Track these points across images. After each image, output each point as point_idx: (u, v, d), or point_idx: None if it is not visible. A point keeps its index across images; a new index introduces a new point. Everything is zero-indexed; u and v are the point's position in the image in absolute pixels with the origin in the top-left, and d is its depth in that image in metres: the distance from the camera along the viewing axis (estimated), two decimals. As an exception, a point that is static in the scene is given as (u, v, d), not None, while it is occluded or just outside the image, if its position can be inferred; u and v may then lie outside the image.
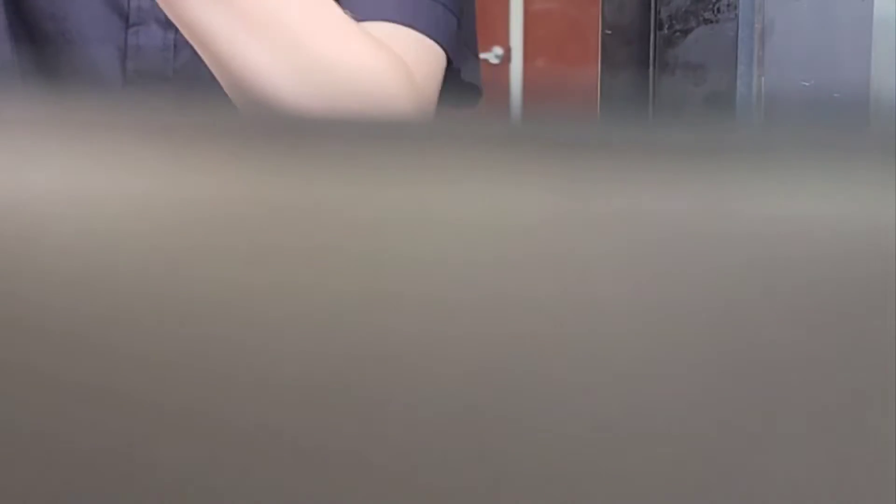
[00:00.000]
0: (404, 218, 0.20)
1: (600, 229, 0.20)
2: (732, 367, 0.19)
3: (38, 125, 0.22)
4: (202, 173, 0.21)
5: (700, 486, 0.19)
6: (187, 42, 0.84)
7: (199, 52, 0.75)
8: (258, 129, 0.22)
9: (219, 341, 0.21)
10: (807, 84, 0.68)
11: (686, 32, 0.72)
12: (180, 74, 0.93)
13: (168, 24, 0.93)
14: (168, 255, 0.21)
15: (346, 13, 0.77)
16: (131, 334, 0.21)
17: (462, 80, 0.92)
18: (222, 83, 0.75)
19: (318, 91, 0.73)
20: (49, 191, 0.21)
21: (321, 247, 0.21)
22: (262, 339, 0.21)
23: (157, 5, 0.89)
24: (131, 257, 0.21)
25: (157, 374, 0.21)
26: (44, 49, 0.91)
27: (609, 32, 0.76)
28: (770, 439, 0.19)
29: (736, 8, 0.71)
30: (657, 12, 0.74)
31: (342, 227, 0.21)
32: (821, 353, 0.19)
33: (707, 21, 0.72)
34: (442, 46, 0.85)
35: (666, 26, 0.73)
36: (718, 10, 0.72)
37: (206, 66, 0.77)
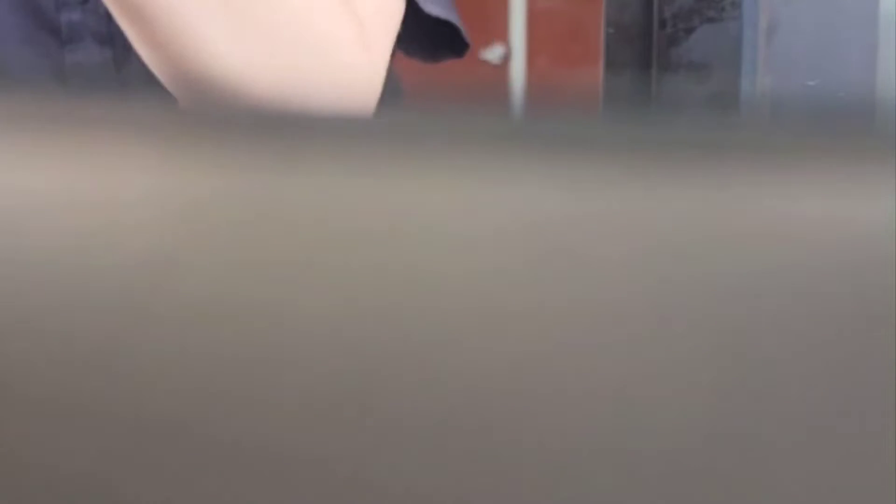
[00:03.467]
0: (403, 217, 0.20)
1: (601, 229, 0.20)
2: (731, 367, 0.19)
3: (38, 124, 0.22)
4: (201, 174, 0.21)
5: (702, 490, 0.19)
6: (127, 58, 0.80)
7: (136, 31, 0.67)
8: (258, 129, 0.22)
9: (216, 344, 0.21)
10: (811, 83, 0.68)
11: (689, 31, 0.72)
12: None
13: (104, 40, 0.89)
14: (166, 257, 0.21)
15: None
16: (129, 336, 0.21)
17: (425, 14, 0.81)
18: (160, 68, 0.67)
19: (279, 69, 0.66)
20: (48, 191, 0.21)
21: (320, 247, 0.21)
22: (261, 341, 0.21)
23: (90, 18, 0.85)
24: (129, 259, 0.21)
25: (155, 376, 0.21)
26: None
27: (611, 31, 0.76)
28: (773, 442, 0.19)
29: (739, 6, 0.71)
30: (660, 11, 0.74)
31: (341, 227, 0.20)
32: (821, 354, 0.19)
33: (710, 20, 0.72)
34: None
35: (669, 25, 0.73)
36: (722, 8, 0.72)
37: (151, 79, 0.70)
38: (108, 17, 0.84)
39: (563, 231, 0.20)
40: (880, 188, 0.19)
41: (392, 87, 0.86)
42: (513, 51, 3.59)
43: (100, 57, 0.86)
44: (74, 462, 0.21)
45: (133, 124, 0.21)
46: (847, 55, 0.70)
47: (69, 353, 0.21)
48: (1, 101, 0.22)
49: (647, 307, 0.19)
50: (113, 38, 0.86)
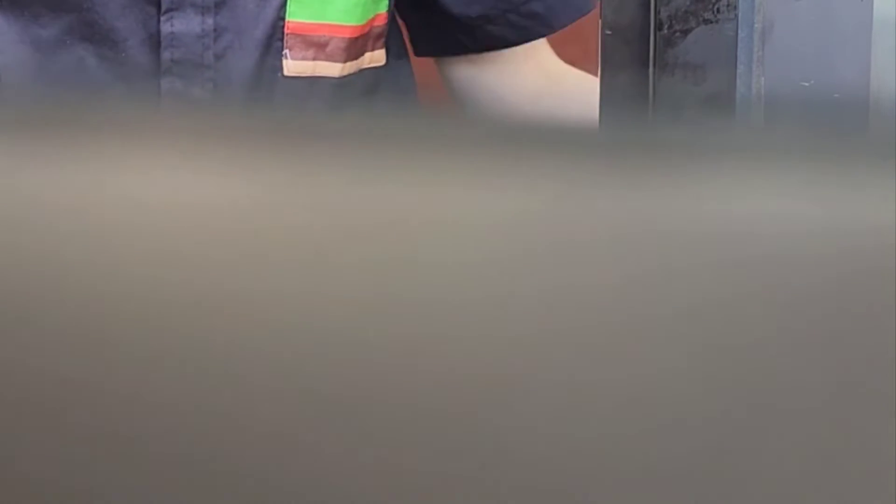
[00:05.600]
0: (403, 218, 0.21)
1: (600, 229, 0.20)
2: (731, 367, 0.19)
3: (45, 127, 0.22)
4: (205, 175, 0.21)
5: (695, 485, 0.19)
6: (227, 26, 0.83)
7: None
8: (260, 130, 0.22)
9: (219, 342, 0.21)
10: (807, 84, 0.68)
11: (686, 32, 0.72)
12: (221, 61, 0.90)
13: (206, 8, 0.90)
14: (170, 256, 0.21)
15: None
16: (133, 335, 0.21)
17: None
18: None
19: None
20: (54, 193, 0.22)
21: (321, 247, 0.21)
22: (263, 339, 0.21)
23: None
24: (134, 259, 0.21)
25: (158, 373, 0.21)
26: (63, 44, 0.87)
27: (608, 32, 0.76)
28: (767, 438, 0.19)
29: (736, 8, 0.71)
30: (657, 12, 0.74)
31: (342, 228, 0.21)
32: (821, 353, 0.19)
33: (707, 21, 0.72)
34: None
35: (665, 26, 0.73)
36: (718, 10, 0.72)
37: (246, 53, 0.79)
38: None
39: (560, 230, 0.20)
40: (879, 188, 0.19)
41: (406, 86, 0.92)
42: (510, 52, 3.57)
43: (199, 27, 0.87)
44: (90, 445, 0.21)
45: (146, 127, 0.22)
46: (842, 56, 0.70)
47: (83, 346, 0.21)
48: (16, 105, 0.22)
49: (645, 308, 0.19)
50: (216, 7, 0.87)
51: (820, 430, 0.19)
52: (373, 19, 0.94)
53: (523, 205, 0.20)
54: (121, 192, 0.21)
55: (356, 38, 0.91)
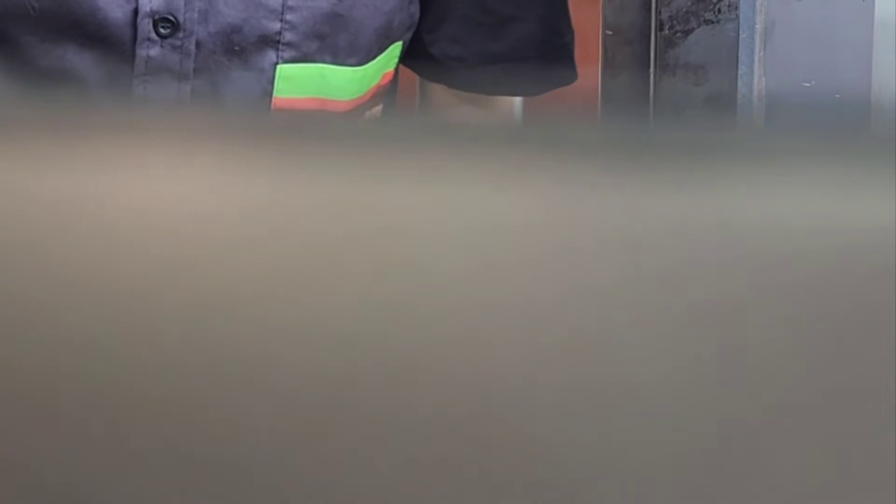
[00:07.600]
0: (404, 218, 0.20)
1: (600, 229, 0.20)
2: (731, 366, 0.19)
3: (45, 127, 0.22)
4: (207, 175, 0.21)
5: (697, 485, 0.19)
6: (206, 93, 0.79)
7: None
8: (261, 131, 0.22)
9: (220, 340, 0.21)
10: (808, 85, 0.68)
11: (687, 33, 0.72)
12: None
13: (182, 75, 0.85)
14: (171, 256, 0.21)
15: None
16: (133, 333, 0.21)
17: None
18: None
19: None
20: (54, 192, 0.22)
21: (321, 247, 0.21)
22: (264, 339, 0.21)
23: (170, 55, 0.84)
24: (135, 258, 0.21)
25: (160, 372, 0.21)
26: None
27: (610, 33, 0.76)
28: (768, 439, 0.19)
29: (737, 8, 0.71)
30: (658, 13, 0.74)
31: (343, 227, 0.21)
32: (820, 352, 0.19)
33: (708, 22, 0.72)
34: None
35: (667, 27, 0.73)
36: (719, 10, 0.72)
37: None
38: (193, 55, 0.83)
39: (561, 232, 0.20)
40: (879, 189, 0.19)
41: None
42: (511, 53, 3.58)
43: (175, 92, 0.82)
44: (93, 443, 0.21)
45: (150, 129, 0.21)
46: (843, 56, 0.70)
47: (84, 344, 0.21)
48: (10, 103, 0.22)
49: (646, 309, 0.19)
50: (195, 73, 0.84)
51: (820, 428, 0.19)
52: (376, 85, 0.85)
53: (524, 205, 0.20)
54: (119, 192, 0.21)
55: (354, 109, 0.81)
